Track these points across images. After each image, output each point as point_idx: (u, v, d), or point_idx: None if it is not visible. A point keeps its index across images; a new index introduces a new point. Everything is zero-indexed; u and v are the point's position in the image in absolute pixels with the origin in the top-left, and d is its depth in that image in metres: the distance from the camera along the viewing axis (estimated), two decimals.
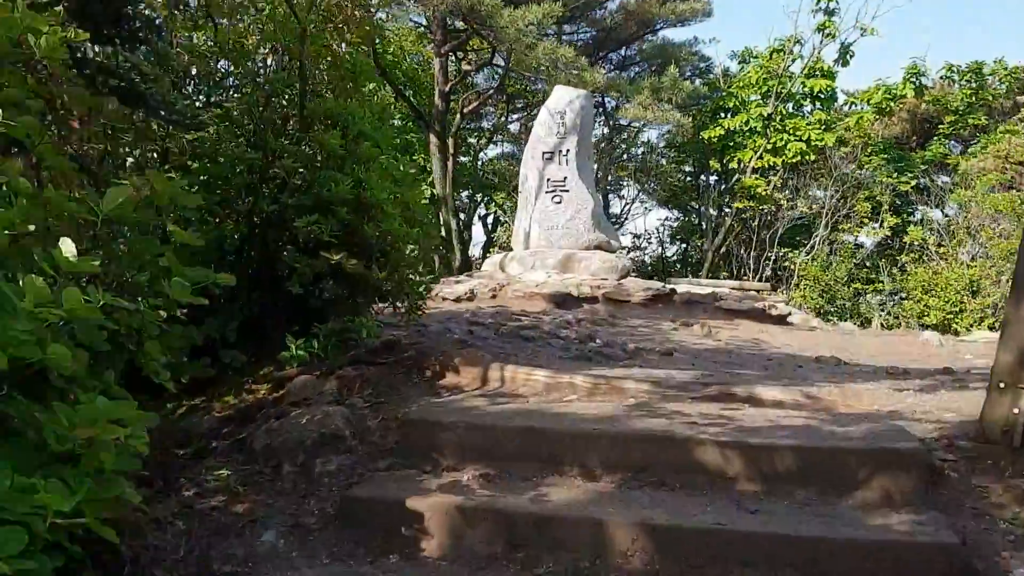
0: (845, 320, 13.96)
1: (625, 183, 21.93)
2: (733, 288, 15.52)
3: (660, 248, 21.83)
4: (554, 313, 7.82)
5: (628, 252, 22.10)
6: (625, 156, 20.19)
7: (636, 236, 22.47)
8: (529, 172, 11.14)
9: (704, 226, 17.61)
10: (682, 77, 16.76)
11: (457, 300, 8.79)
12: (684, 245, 21.62)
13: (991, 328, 11.61)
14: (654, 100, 14.34)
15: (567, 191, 10.86)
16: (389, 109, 14.03)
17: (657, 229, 21.93)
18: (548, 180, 10.91)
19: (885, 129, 19.36)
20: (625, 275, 10.46)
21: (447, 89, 17.81)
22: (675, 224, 21.37)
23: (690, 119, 15.97)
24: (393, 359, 4.15)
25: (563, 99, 11.09)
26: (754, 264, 15.69)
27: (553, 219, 10.83)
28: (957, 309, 11.79)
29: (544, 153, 10.96)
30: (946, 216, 14.17)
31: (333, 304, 4.06)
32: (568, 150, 10.90)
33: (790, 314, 9.09)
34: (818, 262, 14.44)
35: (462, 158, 20.44)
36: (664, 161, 19.81)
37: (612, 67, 20.19)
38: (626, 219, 22.80)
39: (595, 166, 14.41)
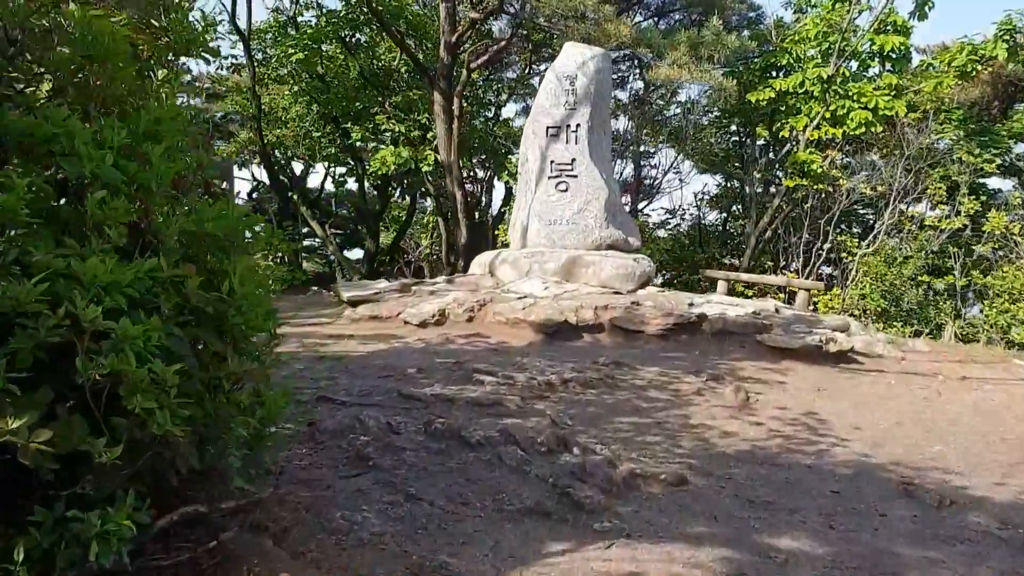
0: (913, 325, 12.06)
1: (659, 148, 19.89)
2: (779, 290, 13.68)
3: (699, 215, 19.84)
4: (540, 357, 6.08)
5: (661, 226, 20.30)
6: (659, 117, 18.08)
7: (670, 211, 20.54)
8: (529, 151, 9.31)
9: (749, 203, 15.57)
10: (727, 29, 14.61)
11: (422, 324, 7.09)
12: (724, 215, 19.62)
13: None
14: (692, 57, 12.28)
15: (575, 176, 9.04)
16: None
17: (695, 195, 20.08)
18: (552, 163, 9.09)
19: (962, 92, 17.08)
20: (644, 283, 8.68)
21: (453, 40, 15.84)
22: (717, 190, 19.38)
23: (734, 81, 13.87)
24: None
25: (574, 60, 9.20)
26: (805, 252, 13.71)
27: (556, 212, 9.03)
28: None
29: (548, 128, 9.14)
30: None
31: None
32: (579, 125, 9.06)
33: (851, 349, 7.24)
34: (881, 255, 12.44)
35: (485, 115, 18.58)
36: (706, 122, 17.70)
37: (648, 14, 18.00)
38: (658, 191, 20.82)
39: (613, 140, 12.54)
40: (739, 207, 17.51)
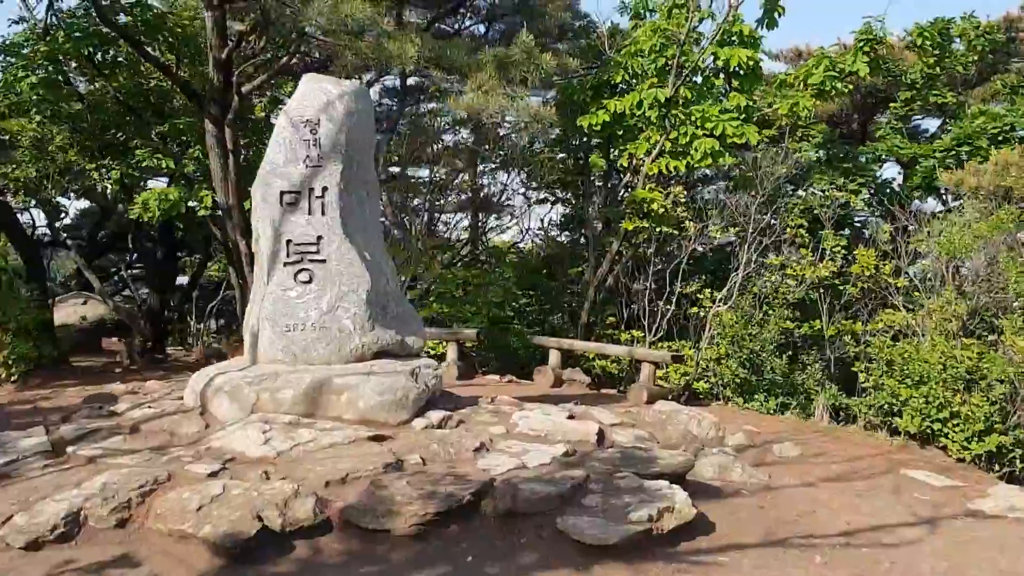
0: (778, 396, 10.44)
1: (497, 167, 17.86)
2: (613, 360, 11.87)
3: (545, 241, 17.95)
4: None
5: (520, 241, 18.36)
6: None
7: (523, 231, 18.63)
8: (260, 226, 6.94)
9: (588, 246, 13.76)
10: (550, 40, 12.74)
11: (33, 546, 4.58)
12: (575, 235, 17.87)
13: (1001, 457, 8.23)
14: (501, 80, 10.25)
15: (322, 261, 6.75)
16: None
17: (543, 220, 18.27)
18: (290, 243, 6.76)
19: (820, 105, 15.97)
20: (420, 408, 6.51)
21: (224, 56, 13.21)
22: (561, 218, 17.59)
23: (551, 108, 11.98)
24: None
25: (315, 99, 6.95)
26: (650, 306, 11.95)
27: (297, 312, 6.76)
28: (946, 414, 8.31)
29: (284, 194, 6.82)
30: (917, 256, 10.64)
31: None
32: (325, 188, 6.84)
33: (693, 519, 5.28)
34: (738, 312, 10.79)
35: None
36: (538, 147, 15.81)
37: (478, 19, 15.88)
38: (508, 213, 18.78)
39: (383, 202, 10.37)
40: (581, 249, 15.70)
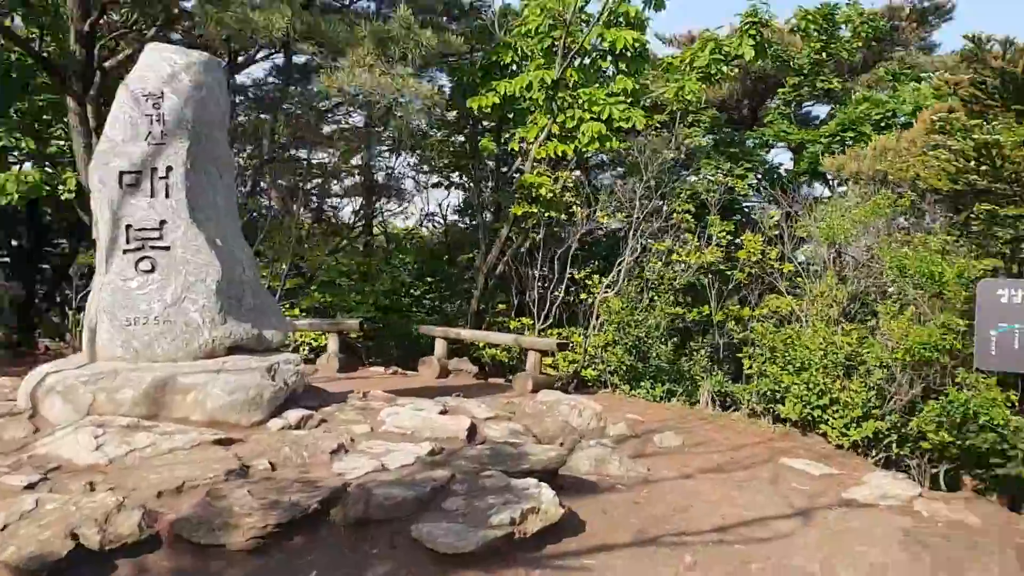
0: (664, 383, 10.38)
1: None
2: (503, 348, 11.64)
3: (444, 227, 17.53)
4: None
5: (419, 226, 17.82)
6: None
7: (422, 217, 18.12)
8: (98, 209, 6.37)
9: (478, 232, 13.46)
10: (440, 20, 12.34)
11: None
12: (473, 220, 17.51)
13: (878, 442, 8.29)
14: (379, 57, 9.79)
15: (166, 249, 6.23)
16: None
17: (440, 206, 17.89)
18: (130, 228, 6.21)
19: (709, 90, 16.05)
20: (278, 407, 6.09)
21: (87, 28, 12.34)
22: (460, 203, 17.22)
23: (432, 86, 11.60)
24: None
25: (158, 71, 6.41)
26: (540, 294, 11.74)
27: (139, 304, 6.22)
28: (826, 400, 8.35)
29: (123, 174, 6.24)
30: (802, 242, 10.70)
31: None
32: (170, 168, 6.29)
33: (561, 519, 5.04)
34: (624, 298, 10.67)
35: None
36: (428, 127, 15.36)
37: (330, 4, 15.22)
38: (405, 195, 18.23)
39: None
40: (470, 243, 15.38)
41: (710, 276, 12.11)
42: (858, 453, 8.61)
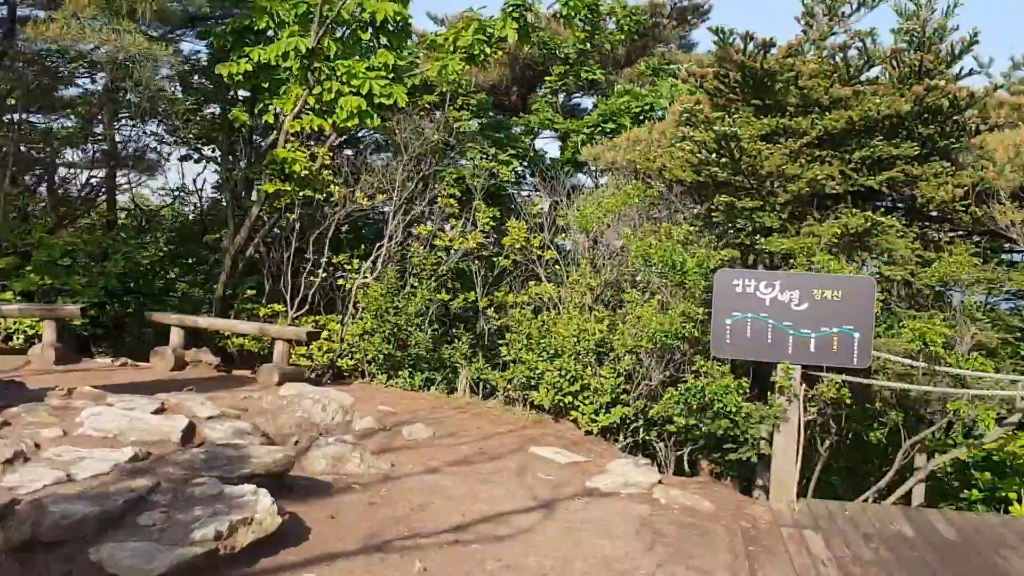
0: (423, 372, 10.10)
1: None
2: (252, 338, 10.93)
3: (200, 204, 16.15)
4: None
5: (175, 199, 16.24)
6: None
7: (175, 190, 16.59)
8: None
9: (226, 210, 12.53)
10: None
11: None
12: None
13: (626, 428, 8.42)
14: (102, 8, 8.71)
15: None
16: None
17: (195, 181, 16.49)
18: None
19: (481, 75, 15.94)
20: None
21: None
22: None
23: (167, 47, 10.61)
24: None
25: None
26: (293, 278, 11.08)
27: None
28: (577, 387, 8.39)
29: None
30: (563, 230, 10.75)
31: None
32: None
33: (279, 528, 4.57)
34: (383, 284, 10.26)
35: None
36: (174, 92, 14.12)
37: None
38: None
39: None
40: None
41: (476, 262, 11.98)
42: (607, 439, 8.74)
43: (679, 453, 8.63)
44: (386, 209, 12.21)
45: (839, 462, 9.37)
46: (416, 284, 10.59)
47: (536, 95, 15.83)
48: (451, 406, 9.24)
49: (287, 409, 7.48)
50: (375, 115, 10.92)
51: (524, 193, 14.02)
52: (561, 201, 11.47)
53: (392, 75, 11.04)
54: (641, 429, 8.64)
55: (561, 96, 17.67)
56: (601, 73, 15.13)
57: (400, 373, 10.12)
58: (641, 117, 13.24)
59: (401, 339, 10.23)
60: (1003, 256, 9.86)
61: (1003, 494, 8.18)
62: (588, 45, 14.41)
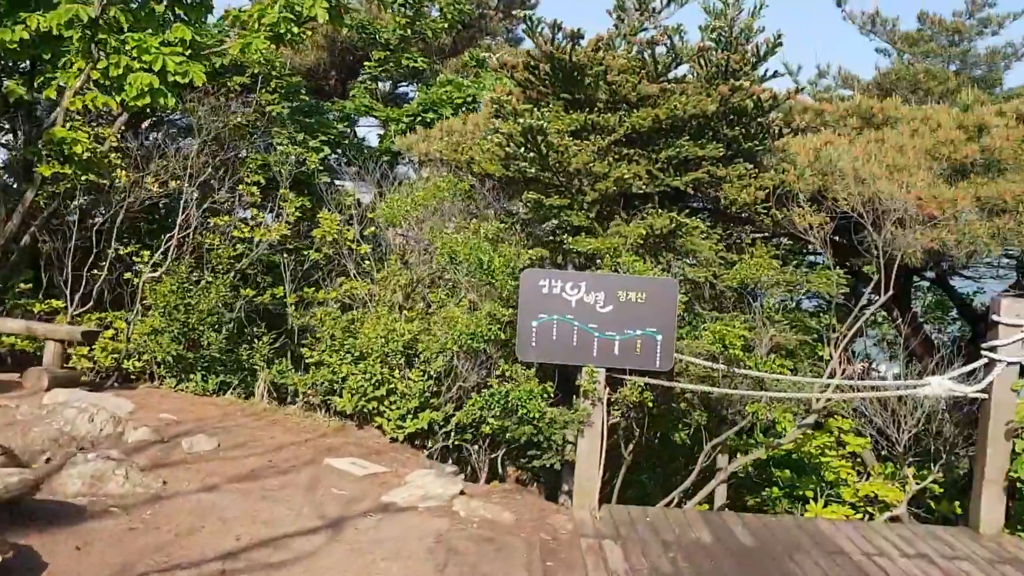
0: (218, 375, 9.37)
1: None
2: (24, 337, 9.85)
3: None
4: None
5: None
6: None
7: None
8: None
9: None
10: None
11: None
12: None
13: (433, 434, 8.05)
14: None
15: None
16: None
17: None
18: None
19: (298, 57, 15.18)
20: None
21: None
22: None
23: None
24: None
25: None
26: (74, 270, 10.03)
27: None
28: (383, 391, 7.94)
29: None
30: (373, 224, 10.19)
31: None
32: None
33: None
34: (174, 279, 9.42)
35: None
36: None
37: None
38: None
39: None
40: None
41: (285, 255, 11.27)
42: (416, 446, 8.35)
43: (493, 456, 8.35)
44: (170, 193, 11.34)
45: (648, 463, 9.39)
46: (212, 279, 9.80)
47: (356, 81, 15.23)
48: (246, 413, 8.59)
49: (45, 420, 6.65)
50: (169, 94, 10.02)
51: (342, 183, 13.41)
52: (382, 193, 10.98)
53: (189, 51, 10.17)
54: (453, 433, 8.29)
55: (387, 85, 17.18)
56: (424, 62, 14.72)
57: (192, 376, 9.34)
58: (463, 108, 12.94)
59: (193, 339, 9.43)
60: (806, 258, 10.22)
61: (801, 492, 8.40)
62: (409, 32, 13.97)
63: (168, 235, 10.00)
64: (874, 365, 14.54)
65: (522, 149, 6.77)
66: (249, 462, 6.85)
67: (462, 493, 6.55)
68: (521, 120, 6.56)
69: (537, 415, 6.51)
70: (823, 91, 15.97)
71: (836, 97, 12.88)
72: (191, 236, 10.42)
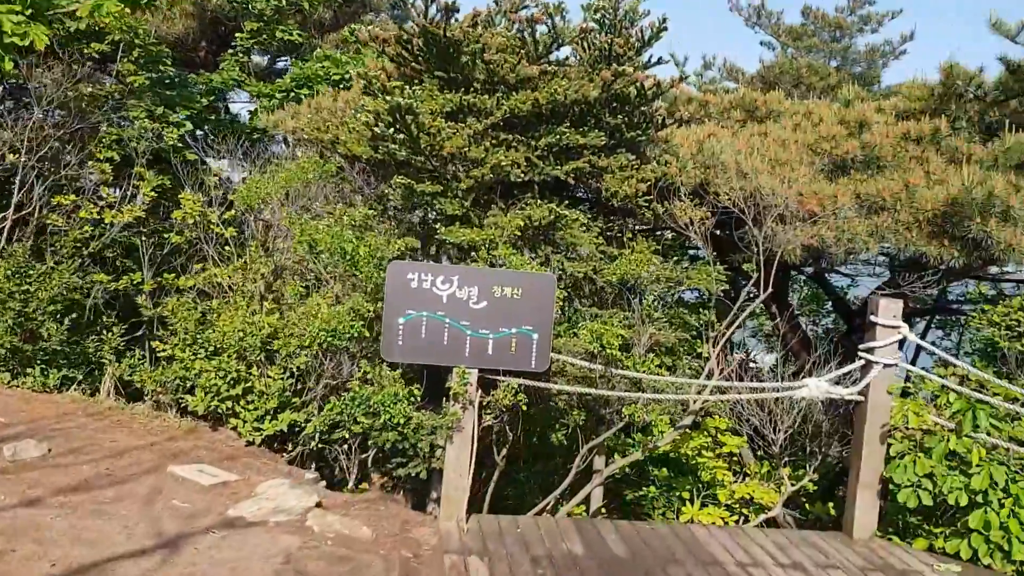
0: (61, 369, 8.49)
1: None
2: None
3: None
4: None
5: None
6: None
7: None
8: None
9: None
10: None
11: None
12: None
13: (295, 436, 7.48)
14: None
15: None
16: None
17: None
18: None
19: (166, 25, 14.11)
20: None
21: None
22: None
23: None
24: None
25: None
26: None
27: None
28: (239, 390, 7.28)
29: None
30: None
31: None
32: None
33: None
34: (9, 263, 8.48)
35: None
36: None
37: None
38: None
39: None
40: None
41: (144, 238, 10.35)
42: (276, 449, 7.73)
43: (365, 455, 7.77)
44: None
45: (526, 464, 9.03)
46: (56, 264, 8.87)
47: (224, 55, 14.24)
48: (88, 412, 7.77)
49: None
50: (7, 57, 9.00)
51: (211, 163, 12.48)
52: (252, 173, 10.20)
53: (30, 11, 9.16)
54: (317, 435, 7.69)
55: (265, 59, 16.23)
56: (301, 35, 13.88)
57: (30, 371, 8.42)
58: (340, 86, 12.21)
59: (31, 330, 8.50)
60: (687, 252, 10.03)
61: (678, 493, 8.19)
62: (285, 2, 13.11)
63: (2, 214, 9.01)
64: (752, 355, 14.66)
65: (391, 130, 6.22)
66: (82, 470, 6.11)
67: (318, 505, 6.01)
68: (389, 98, 6.01)
69: (402, 420, 6.01)
70: (708, 83, 15.91)
71: (721, 89, 12.76)
72: (34, 216, 9.45)
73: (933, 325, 14.16)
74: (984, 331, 7.85)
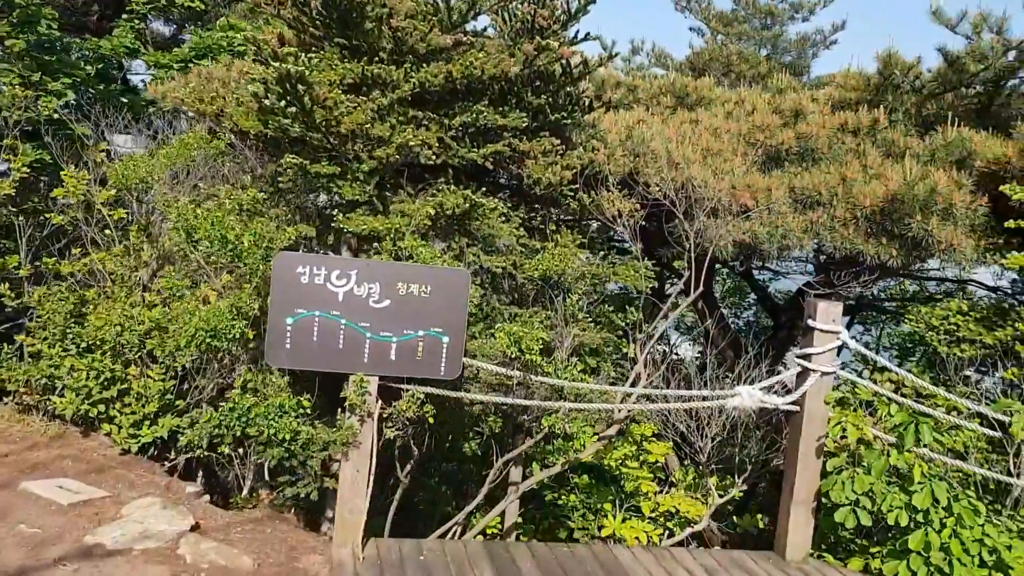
0: None
1: None
2: None
3: None
4: None
5: None
6: None
7: None
8: None
9: None
10: None
11: None
12: None
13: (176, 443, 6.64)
14: None
15: None
16: None
17: None
18: None
19: None
20: None
21: None
22: None
23: None
24: None
25: None
26: None
27: None
28: (114, 391, 6.43)
29: None
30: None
31: None
32: None
33: None
34: None
35: None
36: None
37: None
38: None
39: None
40: None
41: (21, 218, 9.25)
42: (153, 458, 6.85)
43: (260, 460, 6.93)
44: None
45: (437, 471, 8.34)
46: None
47: (119, 21, 13.06)
48: None
49: None
50: None
51: (117, 138, 11.34)
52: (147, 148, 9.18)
53: None
54: (204, 443, 6.82)
55: (170, 29, 15.10)
56: (204, 2, 12.82)
57: None
58: (245, 56, 11.24)
59: None
60: (614, 245, 9.42)
61: (600, 505, 7.60)
62: None
63: None
64: (674, 345, 14.24)
65: (282, 102, 5.41)
66: None
67: (194, 528, 5.23)
68: (279, 65, 5.20)
69: (289, 436, 5.24)
70: (636, 68, 15.35)
71: (650, 75, 12.21)
72: None
73: (855, 321, 13.96)
74: (925, 335, 7.42)
